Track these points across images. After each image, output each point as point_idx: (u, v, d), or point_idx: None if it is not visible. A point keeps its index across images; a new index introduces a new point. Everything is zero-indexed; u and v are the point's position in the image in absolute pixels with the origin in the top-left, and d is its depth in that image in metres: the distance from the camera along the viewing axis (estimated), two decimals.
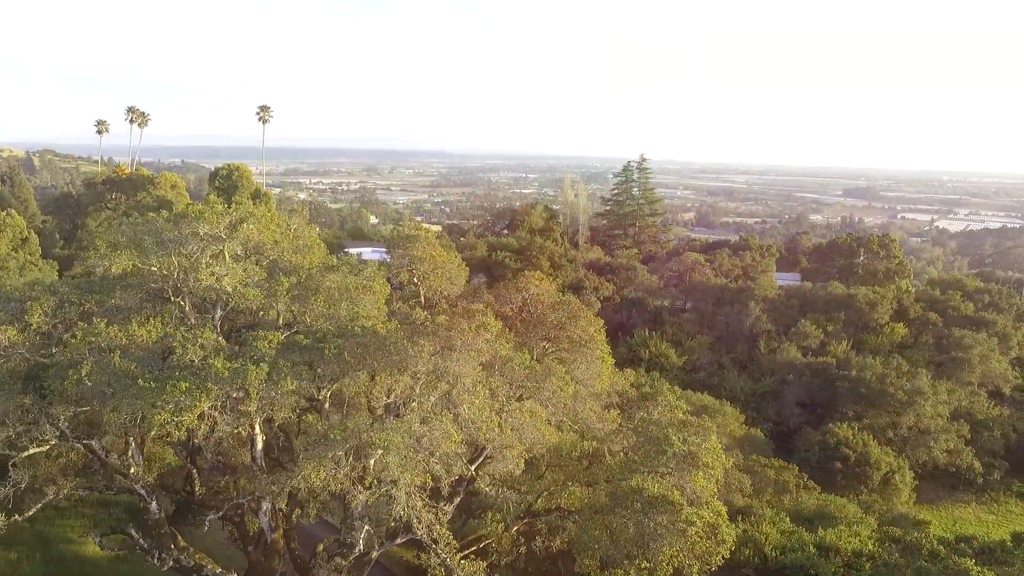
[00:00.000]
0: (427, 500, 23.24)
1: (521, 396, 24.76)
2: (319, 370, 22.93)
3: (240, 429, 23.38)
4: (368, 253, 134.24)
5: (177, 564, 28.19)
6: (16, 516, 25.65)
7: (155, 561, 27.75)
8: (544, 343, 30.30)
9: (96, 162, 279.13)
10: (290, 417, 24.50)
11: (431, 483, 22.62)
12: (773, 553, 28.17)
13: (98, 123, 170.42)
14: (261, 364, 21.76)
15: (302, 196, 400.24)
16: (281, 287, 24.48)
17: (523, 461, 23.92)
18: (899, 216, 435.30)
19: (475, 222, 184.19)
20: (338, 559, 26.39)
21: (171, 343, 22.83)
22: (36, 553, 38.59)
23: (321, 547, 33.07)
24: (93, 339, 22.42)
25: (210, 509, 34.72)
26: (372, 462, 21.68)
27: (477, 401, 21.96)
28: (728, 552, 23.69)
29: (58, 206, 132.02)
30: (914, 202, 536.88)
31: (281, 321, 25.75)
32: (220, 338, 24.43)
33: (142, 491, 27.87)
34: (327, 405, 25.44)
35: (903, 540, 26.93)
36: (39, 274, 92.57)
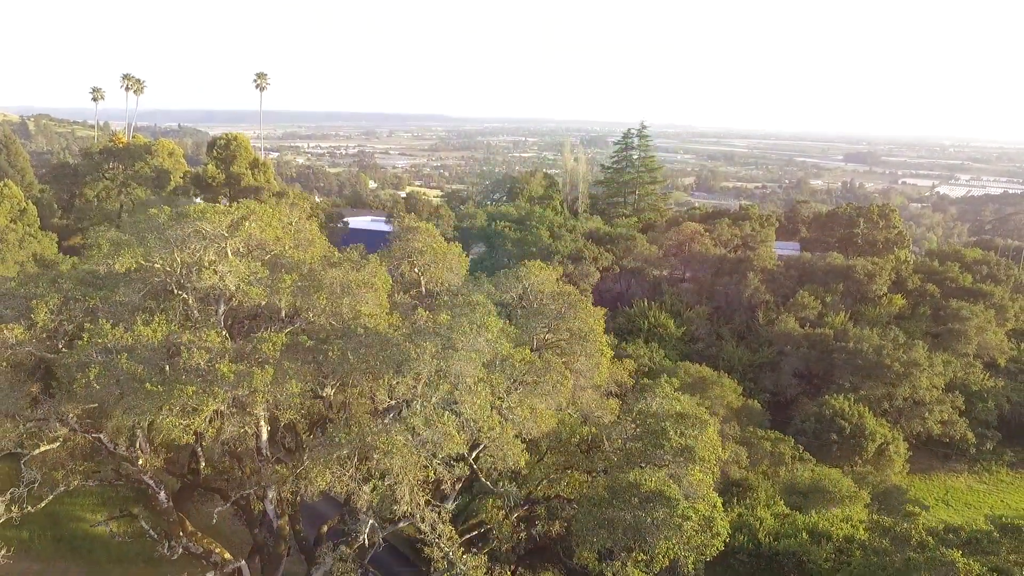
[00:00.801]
0: (429, 499, 23.79)
1: (520, 392, 25.11)
2: (324, 369, 23.27)
3: (246, 428, 23.82)
4: (367, 223, 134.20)
5: (186, 551, 28.93)
6: (29, 507, 26.26)
7: (165, 551, 28.45)
8: (544, 333, 30.63)
9: (92, 127, 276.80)
10: (296, 418, 24.91)
11: (433, 477, 23.12)
12: (767, 539, 28.91)
13: (93, 90, 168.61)
14: (266, 367, 22.10)
15: (300, 160, 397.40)
16: (284, 284, 24.71)
17: (524, 459, 24.43)
18: (900, 181, 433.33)
19: (475, 189, 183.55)
20: (343, 547, 27.10)
21: (176, 340, 23.15)
22: (47, 532, 39.41)
23: (325, 528, 33.91)
24: (100, 340, 22.72)
25: (215, 491, 35.46)
26: (375, 462, 22.13)
27: (478, 401, 22.35)
28: (722, 544, 24.34)
29: (55, 175, 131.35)
30: (916, 167, 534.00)
31: (284, 314, 26.06)
32: (226, 337, 24.71)
33: (150, 481, 28.47)
34: (331, 400, 25.87)
35: (893, 530, 27.60)
36: (38, 246, 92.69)
